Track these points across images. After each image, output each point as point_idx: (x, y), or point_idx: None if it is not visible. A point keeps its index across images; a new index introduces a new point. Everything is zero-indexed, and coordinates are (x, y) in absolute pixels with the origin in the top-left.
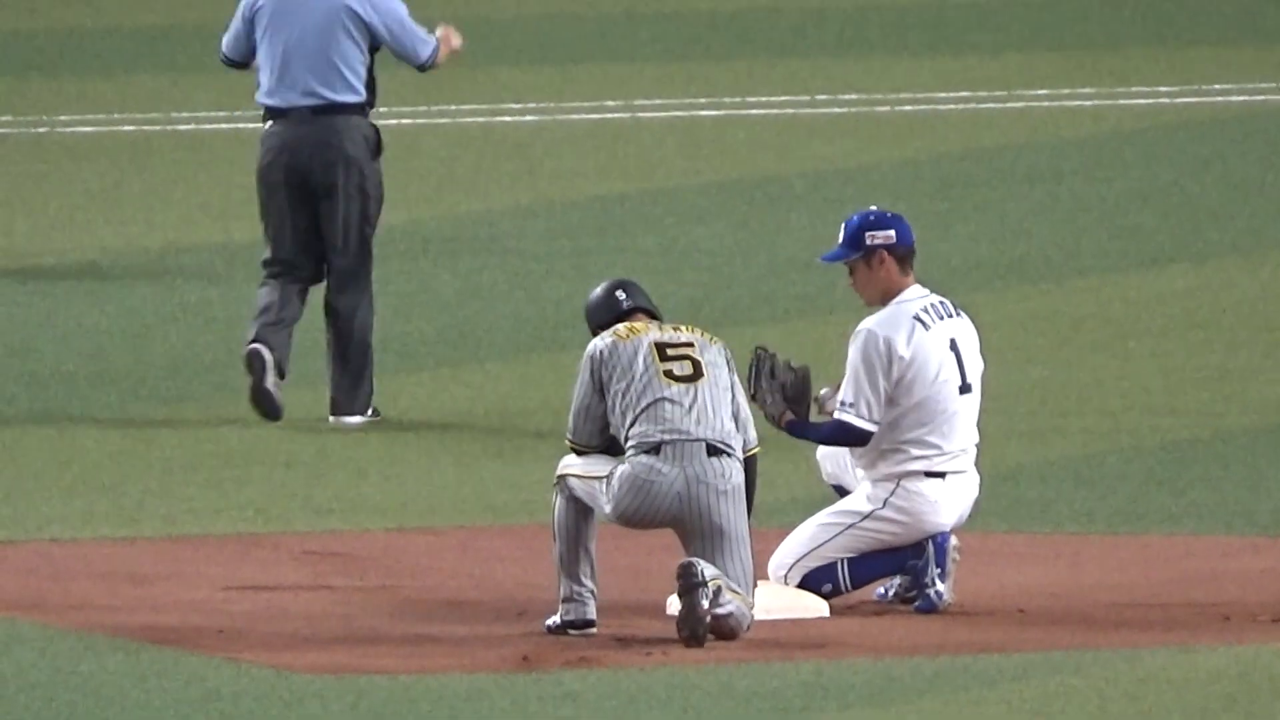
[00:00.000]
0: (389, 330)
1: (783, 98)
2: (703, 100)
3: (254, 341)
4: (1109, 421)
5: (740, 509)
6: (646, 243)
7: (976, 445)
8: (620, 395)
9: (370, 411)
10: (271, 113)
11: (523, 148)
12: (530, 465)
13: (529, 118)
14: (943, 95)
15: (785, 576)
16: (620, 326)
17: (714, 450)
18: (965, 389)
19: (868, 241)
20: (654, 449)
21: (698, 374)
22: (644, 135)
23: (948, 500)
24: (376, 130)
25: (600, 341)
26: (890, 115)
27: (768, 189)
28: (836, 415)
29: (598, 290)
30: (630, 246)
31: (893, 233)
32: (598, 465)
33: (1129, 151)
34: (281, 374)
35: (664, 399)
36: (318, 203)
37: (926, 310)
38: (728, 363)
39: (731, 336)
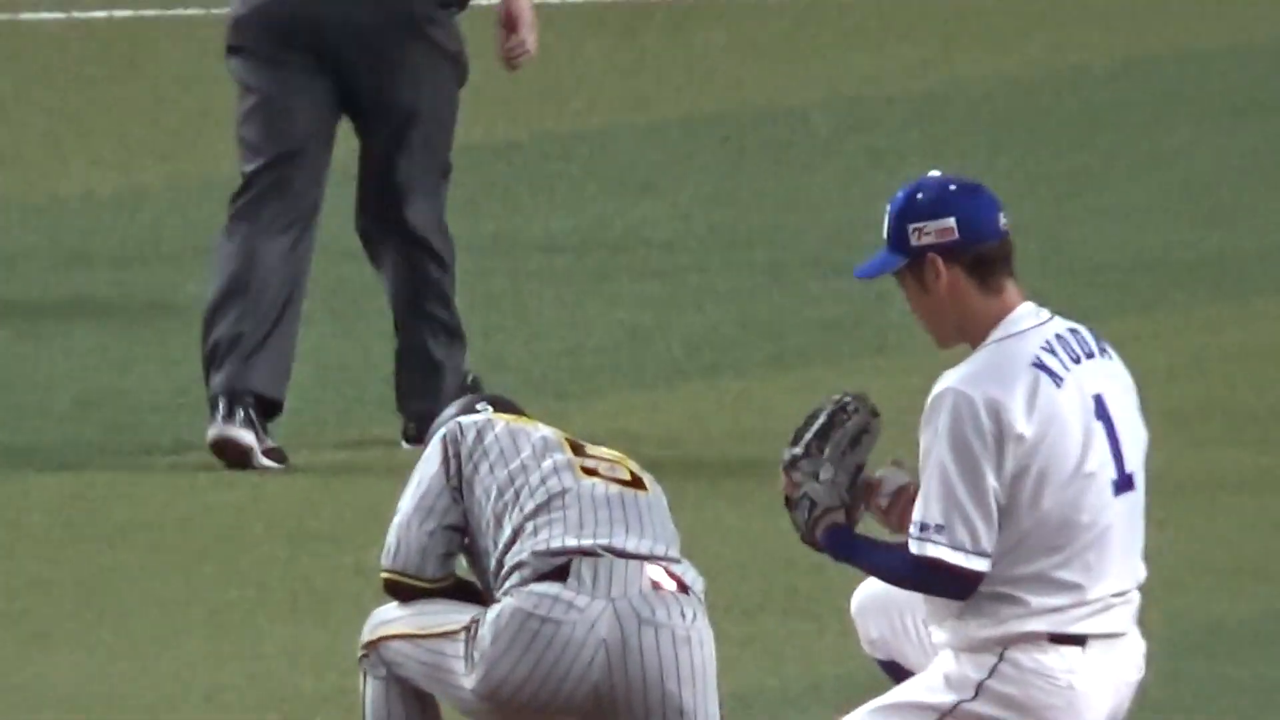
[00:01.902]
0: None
1: None
2: None
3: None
4: None
5: (710, 686)
6: None
7: (1140, 586)
8: (496, 491)
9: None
10: None
11: None
12: None
13: None
14: None
15: None
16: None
17: (668, 576)
18: (1123, 484)
19: (913, 240)
20: (559, 571)
21: (638, 484)
22: None
23: (1093, 683)
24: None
25: (464, 418)
26: None
27: None
28: (914, 545)
29: (452, 407)
30: None
31: (951, 222)
32: (442, 614)
33: None
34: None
35: (578, 493)
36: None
37: (1051, 348)
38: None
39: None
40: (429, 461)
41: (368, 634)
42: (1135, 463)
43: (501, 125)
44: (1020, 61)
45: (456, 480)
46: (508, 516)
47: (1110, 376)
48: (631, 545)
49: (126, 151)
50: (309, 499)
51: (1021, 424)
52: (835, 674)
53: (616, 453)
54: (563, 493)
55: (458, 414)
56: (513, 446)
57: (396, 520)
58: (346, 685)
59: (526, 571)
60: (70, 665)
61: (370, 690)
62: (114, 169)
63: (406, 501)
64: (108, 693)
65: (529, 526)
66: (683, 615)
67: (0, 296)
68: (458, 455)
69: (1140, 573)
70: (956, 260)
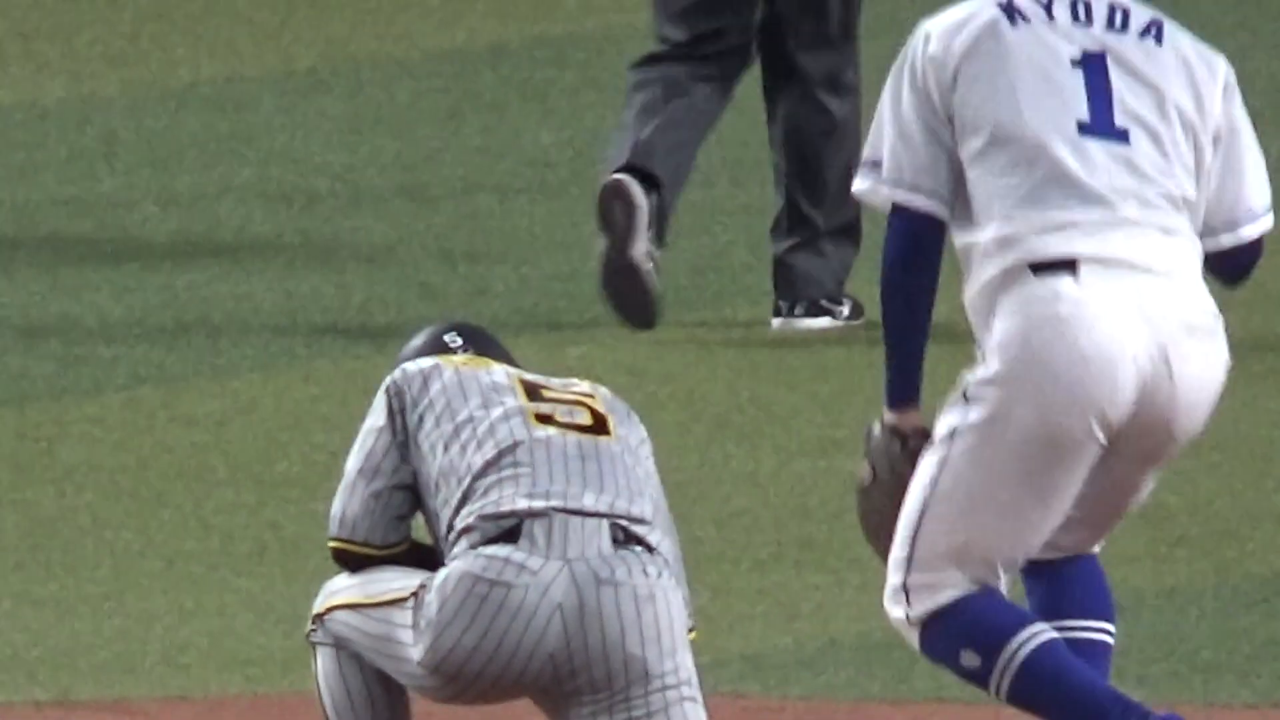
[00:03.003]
0: None
1: None
2: None
3: (620, 170)
4: None
5: (680, 644)
6: None
7: (1170, 229)
8: (442, 443)
9: None
10: None
11: None
12: None
13: None
14: None
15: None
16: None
17: (629, 537)
18: (1101, 131)
19: None
20: (509, 532)
21: (600, 428)
22: None
23: (1094, 309)
24: None
25: (409, 365)
26: None
27: None
28: (854, 185)
29: (418, 337)
30: None
31: None
32: (390, 580)
33: None
34: (661, 235)
35: (530, 446)
36: None
37: (1048, 3)
38: (644, 443)
39: None
40: (374, 415)
41: (316, 606)
42: (1140, 121)
43: (489, 27)
44: None
45: (403, 435)
46: (455, 475)
47: (1147, 55)
48: (589, 502)
49: (75, 57)
50: (277, 440)
51: (937, 46)
52: (854, 631)
53: (583, 387)
54: (513, 446)
55: (422, 345)
56: (460, 395)
57: (342, 483)
58: None
59: (475, 536)
60: (15, 621)
61: (321, 665)
62: (62, 75)
63: (351, 461)
64: (56, 652)
65: (478, 487)
66: (645, 573)
67: None
68: (402, 409)
69: (1157, 214)
70: None
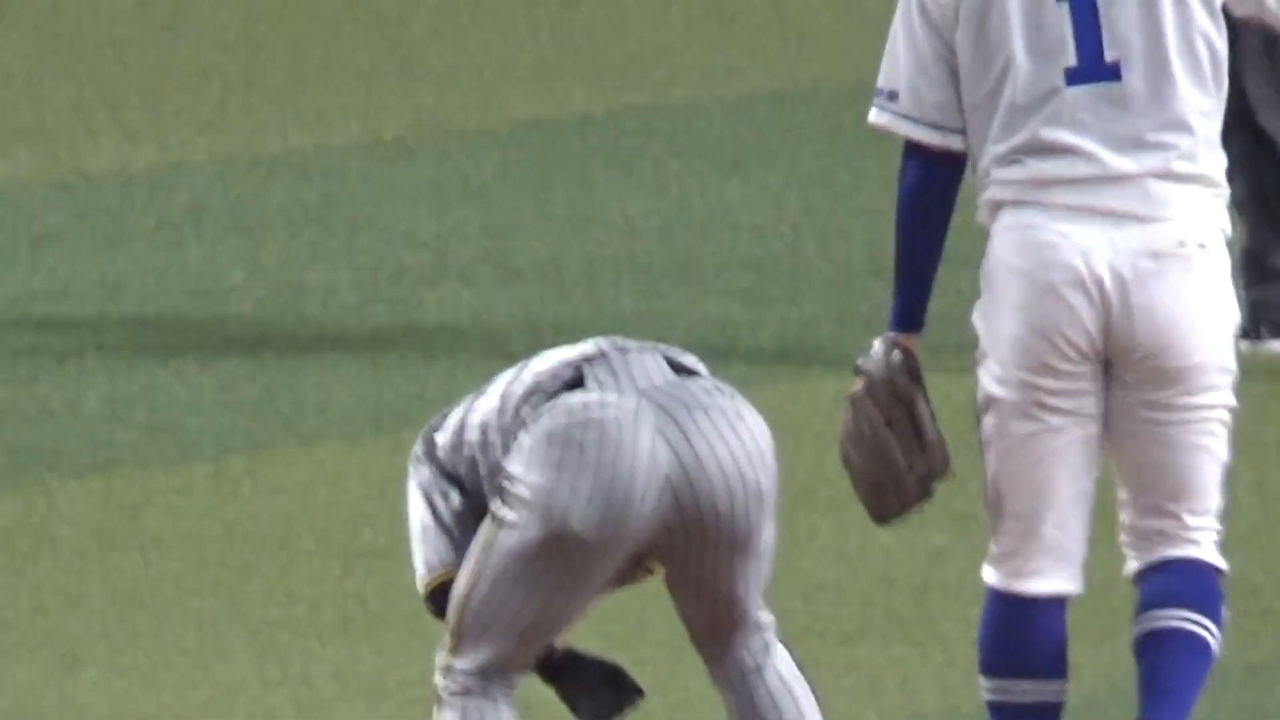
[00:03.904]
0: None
1: None
2: None
3: None
4: None
5: (774, 472)
6: None
7: (1155, 174)
8: (472, 439)
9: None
10: None
11: None
12: None
13: None
14: None
15: None
16: None
17: (683, 369)
18: (1090, 74)
19: None
20: (571, 384)
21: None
22: None
23: (1062, 238)
24: None
25: (419, 448)
26: None
27: None
28: (871, 115)
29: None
30: None
31: None
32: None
33: None
34: None
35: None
36: None
37: None
38: None
39: None
40: (413, 504)
41: (440, 659)
42: (1132, 48)
43: (576, 97)
44: None
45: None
46: (504, 409)
47: None
48: (634, 345)
49: (163, 124)
50: (363, 510)
51: None
52: (939, 706)
53: None
54: (527, 363)
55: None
56: (460, 419)
57: (412, 539)
58: (402, 715)
59: (538, 398)
60: (101, 689)
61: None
62: (150, 143)
63: (414, 523)
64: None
65: (522, 382)
66: (721, 392)
67: (26, 284)
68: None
69: (1154, 156)
70: None
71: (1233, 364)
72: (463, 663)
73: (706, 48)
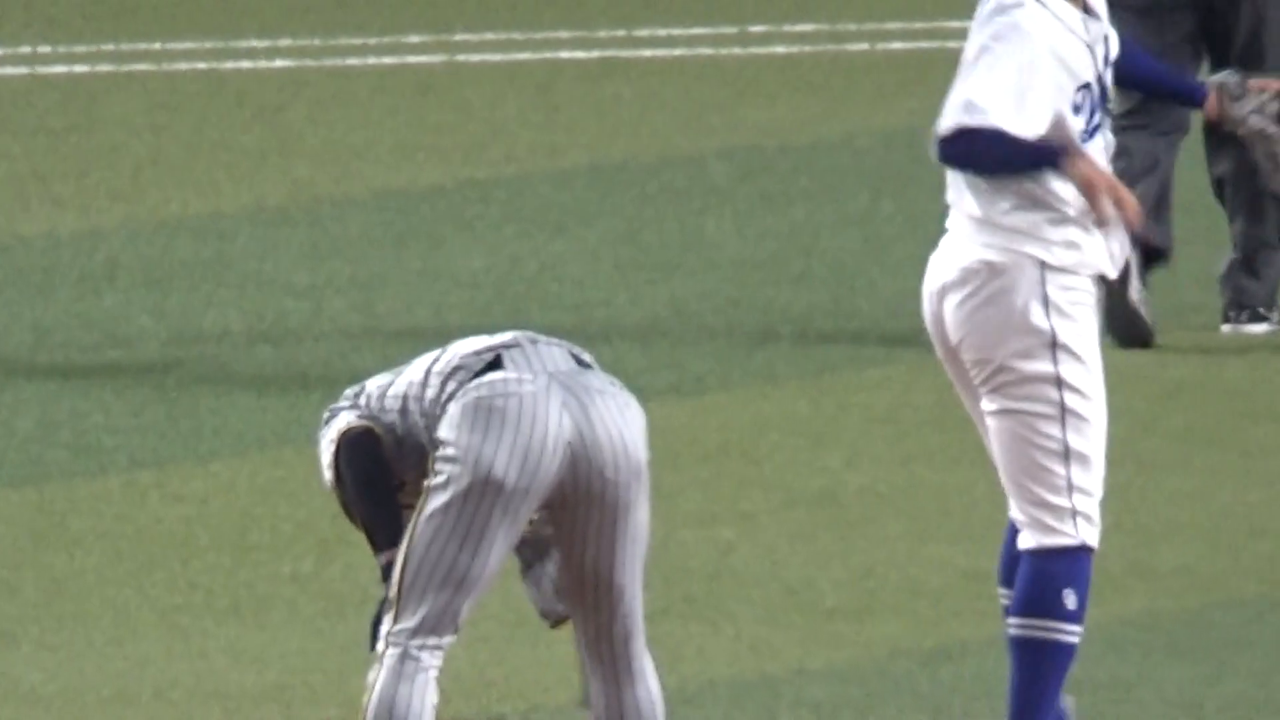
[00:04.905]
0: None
1: None
2: None
3: None
4: None
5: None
6: None
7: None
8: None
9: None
10: None
11: None
12: None
13: None
14: None
15: None
16: None
17: (582, 363)
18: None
19: None
20: (490, 364)
21: None
22: None
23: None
24: None
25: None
26: None
27: None
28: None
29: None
30: None
31: None
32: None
33: None
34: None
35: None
36: None
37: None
38: None
39: None
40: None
41: (384, 625)
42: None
43: (428, 172)
44: (901, 115)
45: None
46: (420, 378)
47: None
48: (543, 338)
49: (85, 194)
50: (251, 513)
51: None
52: (727, 674)
53: None
54: (448, 347)
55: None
56: (380, 389)
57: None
58: (284, 681)
59: (462, 374)
60: (33, 663)
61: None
62: (73, 210)
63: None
64: (67, 689)
65: (443, 362)
66: (613, 384)
67: None
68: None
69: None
70: None
71: None
72: (401, 624)
73: (534, 130)
